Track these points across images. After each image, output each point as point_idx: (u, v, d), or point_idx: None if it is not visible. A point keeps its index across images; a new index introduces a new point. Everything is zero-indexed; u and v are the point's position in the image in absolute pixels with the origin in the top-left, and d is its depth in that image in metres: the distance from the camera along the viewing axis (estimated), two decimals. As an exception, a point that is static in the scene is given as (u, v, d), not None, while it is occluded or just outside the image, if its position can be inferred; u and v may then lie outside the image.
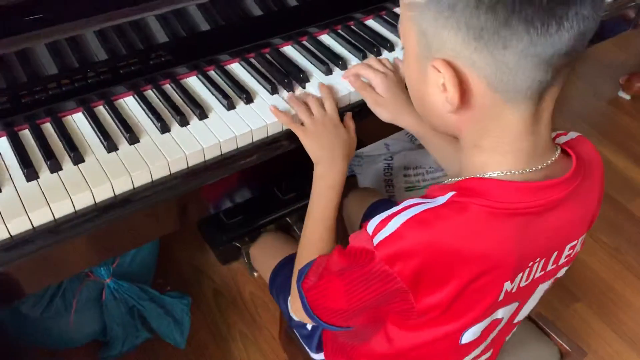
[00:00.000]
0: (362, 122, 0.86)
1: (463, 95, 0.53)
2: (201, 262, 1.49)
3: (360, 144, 0.87)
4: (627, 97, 2.09)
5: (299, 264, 0.79)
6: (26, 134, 0.78)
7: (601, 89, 2.15)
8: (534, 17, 0.47)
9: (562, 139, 0.66)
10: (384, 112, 0.85)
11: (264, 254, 1.11)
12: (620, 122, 2.01)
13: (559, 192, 0.57)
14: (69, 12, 0.76)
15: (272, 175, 0.91)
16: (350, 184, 0.84)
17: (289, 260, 0.96)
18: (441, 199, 0.58)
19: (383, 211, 0.59)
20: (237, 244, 1.35)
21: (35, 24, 0.73)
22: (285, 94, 0.88)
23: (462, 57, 0.52)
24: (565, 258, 0.66)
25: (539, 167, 0.58)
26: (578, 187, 0.59)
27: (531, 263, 0.62)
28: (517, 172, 0.57)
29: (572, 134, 0.68)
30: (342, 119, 0.85)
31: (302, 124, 0.83)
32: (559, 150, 0.61)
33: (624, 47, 2.25)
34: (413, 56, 0.57)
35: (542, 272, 0.65)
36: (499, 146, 0.57)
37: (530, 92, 0.52)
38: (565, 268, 0.69)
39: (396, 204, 0.60)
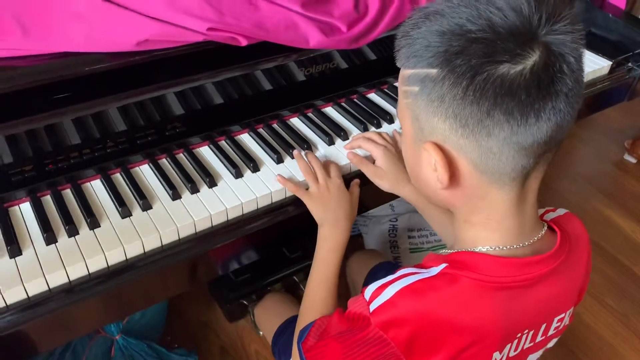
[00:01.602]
0: (366, 188, 0.90)
1: (452, 175, 0.58)
2: (209, 319, 1.51)
3: (364, 209, 0.91)
4: (633, 160, 2.10)
5: (300, 324, 0.81)
6: (47, 200, 0.82)
7: (607, 152, 2.17)
8: (513, 110, 0.52)
9: (551, 216, 0.70)
10: (384, 183, 0.89)
11: (268, 315, 1.13)
12: (626, 186, 2.02)
13: (544, 267, 0.60)
14: (94, 91, 0.81)
15: (277, 238, 0.94)
16: (355, 244, 0.87)
17: (292, 322, 0.98)
18: (434, 270, 0.61)
19: (383, 275, 0.63)
20: (245, 302, 1.36)
21: (63, 102, 0.79)
22: (290, 162, 0.92)
23: (450, 141, 0.56)
24: (554, 330, 0.68)
25: (526, 243, 0.61)
26: (563, 262, 0.62)
27: (519, 334, 0.64)
28: (505, 248, 0.60)
29: (560, 211, 0.71)
30: (347, 186, 0.88)
31: (307, 188, 0.87)
32: (545, 227, 0.64)
33: (629, 112, 2.29)
34: (409, 137, 0.62)
35: (532, 344, 0.67)
36: (487, 223, 0.61)
37: (514, 174, 0.56)
38: (555, 339, 0.71)
39: (396, 269, 0.64)
